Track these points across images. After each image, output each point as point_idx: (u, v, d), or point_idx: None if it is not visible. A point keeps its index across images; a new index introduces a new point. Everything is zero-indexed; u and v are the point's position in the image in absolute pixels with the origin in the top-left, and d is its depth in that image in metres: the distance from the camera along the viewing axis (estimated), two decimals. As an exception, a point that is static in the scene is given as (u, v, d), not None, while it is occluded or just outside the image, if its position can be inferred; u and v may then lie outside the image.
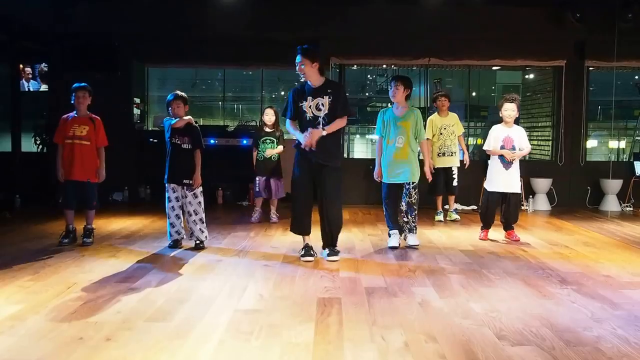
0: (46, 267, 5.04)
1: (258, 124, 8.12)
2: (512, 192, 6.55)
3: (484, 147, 6.82)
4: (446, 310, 3.94)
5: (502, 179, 6.52)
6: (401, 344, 3.27)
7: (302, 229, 5.57)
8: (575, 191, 10.26)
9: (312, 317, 3.72)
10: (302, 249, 5.54)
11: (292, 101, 5.51)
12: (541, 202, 9.85)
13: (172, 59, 10.77)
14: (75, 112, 6.16)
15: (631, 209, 9.84)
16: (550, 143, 10.67)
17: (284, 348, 3.20)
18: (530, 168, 10.29)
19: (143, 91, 10.98)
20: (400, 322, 3.66)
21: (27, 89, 10.00)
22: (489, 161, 6.76)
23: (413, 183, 6.08)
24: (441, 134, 8.09)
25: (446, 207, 8.37)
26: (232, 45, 10.07)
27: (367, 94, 22.23)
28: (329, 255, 5.48)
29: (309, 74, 5.38)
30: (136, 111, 10.54)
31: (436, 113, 8.29)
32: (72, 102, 6.12)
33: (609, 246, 6.48)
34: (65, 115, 6.17)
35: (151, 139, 10.36)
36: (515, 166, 6.52)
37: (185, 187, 5.93)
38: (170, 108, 5.99)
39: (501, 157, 6.51)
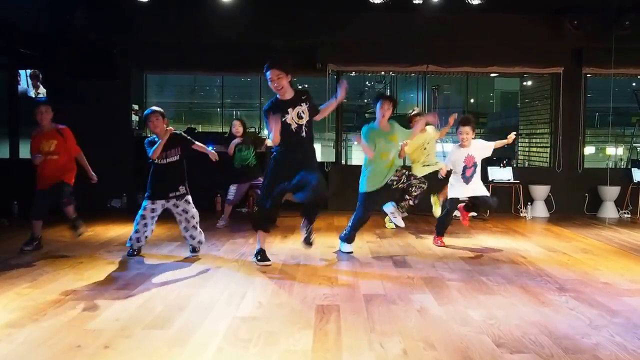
0: (44, 275, 5.03)
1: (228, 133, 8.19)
2: (481, 194, 6.55)
3: (447, 168, 6.79)
4: (445, 317, 3.93)
5: (465, 190, 6.56)
6: (399, 352, 3.27)
7: (265, 224, 5.57)
8: (573, 198, 10.27)
9: (310, 325, 3.72)
10: (258, 253, 5.59)
11: (269, 113, 5.31)
12: (539, 209, 9.86)
13: (170, 66, 10.81)
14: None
15: (629, 215, 9.85)
16: (548, 150, 10.70)
17: (282, 355, 3.20)
18: (528, 175, 10.32)
19: (141, 98, 10.99)
20: (399, 329, 3.65)
21: (33, 96, 10.00)
22: (451, 180, 6.73)
23: (404, 174, 6.26)
24: (425, 148, 8.07)
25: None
26: (231, 52, 10.10)
27: (365, 100, 22.28)
28: (305, 242, 5.57)
29: (286, 87, 5.32)
30: (134, 118, 10.55)
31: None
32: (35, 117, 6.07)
33: (607, 253, 6.49)
34: (35, 130, 6.13)
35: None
36: (476, 178, 6.54)
37: (177, 198, 5.85)
38: (149, 122, 5.76)
39: (463, 173, 6.54)
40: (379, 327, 3.70)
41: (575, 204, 10.26)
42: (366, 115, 20.97)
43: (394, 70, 11.26)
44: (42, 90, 9.99)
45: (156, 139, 5.79)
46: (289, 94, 5.36)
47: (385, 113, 6.14)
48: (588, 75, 10.44)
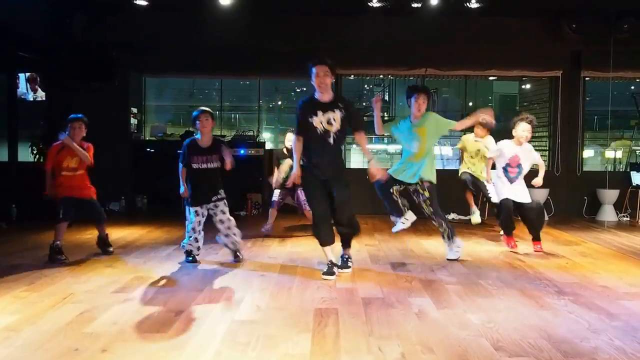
0: (42, 278, 5.03)
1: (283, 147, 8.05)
2: (524, 201, 6.53)
3: (489, 155, 6.94)
4: (443, 321, 3.93)
5: (509, 191, 6.54)
6: (398, 355, 3.26)
7: (326, 236, 5.31)
8: (572, 201, 10.27)
9: (308, 328, 3.71)
10: (328, 264, 5.30)
11: (300, 115, 5.23)
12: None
13: (169, 69, 10.80)
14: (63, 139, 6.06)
15: (628, 218, 9.86)
16: (547, 153, 10.70)
17: (281, 359, 3.19)
18: (527, 178, 10.30)
19: (140, 101, 10.99)
20: (397, 333, 3.65)
21: (32, 99, 10.00)
22: (494, 177, 6.78)
23: (425, 182, 5.90)
24: (471, 157, 8.06)
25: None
26: (230, 55, 10.11)
27: (364, 103, 22.27)
28: (341, 267, 5.39)
29: (329, 87, 5.20)
30: (133, 121, 10.55)
31: (473, 134, 8.11)
32: (67, 132, 6.03)
33: (605, 256, 6.49)
34: (57, 143, 6.05)
35: (148, 149, 10.36)
36: (520, 181, 6.56)
37: (218, 201, 5.82)
38: (198, 122, 5.69)
39: (505, 172, 6.55)
40: (378, 330, 3.69)
41: (574, 207, 10.26)
42: (364, 118, 20.96)
43: (392, 74, 11.27)
44: (41, 94, 9.99)
45: (197, 139, 5.76)
46: (327, 96, 5.20)
47: (421, 107, 5.88)
48: (587, 79, 10.45)
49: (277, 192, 7.75)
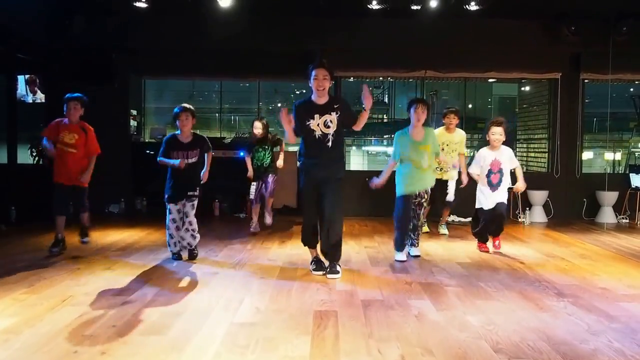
0: (41, 280, 5.02)
1: (249, 133, 8.37)
2: (499, 202, 6.51)
3: (469, 170, 6.85)
4: (443, 323, 3.93)
5: (492, 199, 6.50)
6: (397, 357, 3.26)
7: (309, 241, 5.55)
8: (572, 203, 10.28)
9: (308, 330, 3.71)
10: (313, 262, 5.57)
11: (297, 118, 5.28)
12: (537, 215, 9.86)
13: (169, 71, 10.82)
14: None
15: (627, 220, 9.86)
16: (546, 155, 10.71)
17: (280, 362, 3.19)
18: (526, 180, 10.30)
19: (140, 103, 10.99)
20: (397, 335, 3.65)
21: (31, 101, 10.00)
22: (478, 185, 6.69)
23: (427, 193, 6.21)
24: (442, 149, 7.64)
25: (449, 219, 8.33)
26: (229, 57, 10.12)
27: (363, 106, 22.29)
28: (329, 272, 5.34)
29: (326, 91, 5.27)
30: (133, 123, 10.56)
31: (442, 128, 7.93)
32: (64, 111, 6.19)
33: (605, 258, 6.49)
34: (60, 119, 6.23)
35: (148, 151, 10.36)
36: (503, 187, 6.50)
37: (187, 199, 5.94)
38: (178, 120, 5.87)
39: (488, 180, 6.51)
40: (377, 332, 3.69)
41: (573, 209, 10.27)
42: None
43: (392, 76, 11.29)
44: (40, 96, 9.98)
45: (180, 135, 5.87)
46: (323, 99, 5.28)
47: (420, 117, 6.01)
48: (586, 81, 10.46)
49: (252, 189, 7.94)
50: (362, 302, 4.42)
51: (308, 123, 5.22)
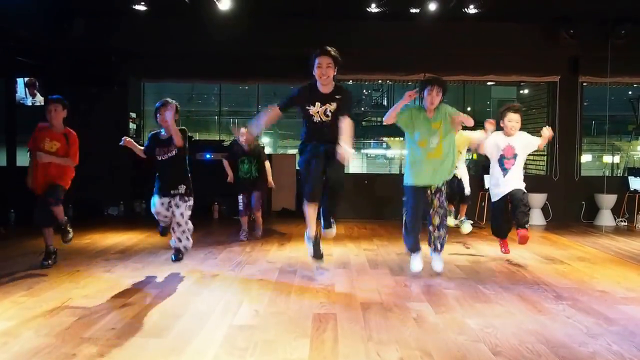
0: (40, 283, 5.02)
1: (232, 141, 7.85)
2: (514, 189, 6.06)
3: (482, 151, 6.37)
4: (442, 325, 3.93)
5: (503, 186, 6.14)
6: (396, 360, 3.27)
7: (316, 196, 5.16)
8: (570, 206, 10.29)
9: (307, 333, 3.71)
10: (313, 243, 5.40)
11: (295, 98, 5.21)
12: (536, 217, 9.87)
13: (168, 74, 10.82)
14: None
15: (625, 223, 9.87)
16: (545, 158, 10.72)
17: (279, 364, 3.20)
18: (525, 183, 10.32)
19: (139, 106, 11.00)
20: (396, 337, 3.65)
21: (30, 104, 10.01)
22: (490, 171, 6.37)
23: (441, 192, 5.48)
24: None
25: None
26: (229, 60, 10.15)
27: (362, 108, 22.29)
28: (328, 227, 5.33)
29: (330, 79, 5.11)
30: (132, 126, 10.56)
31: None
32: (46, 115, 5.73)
33: (603, 261, 6.49)
34: (43, 124, 5.77)
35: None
36: (515, 172, 6.12)
37: (178, 197, 5.53)
38: (158, 114, 5.53)
39: (500, 163, 6.15)
40: (376, 335, 3.69)
41: (572, 212, 10.28)
42: (363, 123, 20.99)
43: (391, 79, 11.29)
44: (39, 98, 9.99)
45: (162, 133, 5.58)
46: (328, 88, 5.15)
47: (434, 100, 5.34)
48: (584, 84, 10.49)
49: (240, 201, 7.60)
50: (361, 305, 4.42)
51: (308, 108, 5.16)
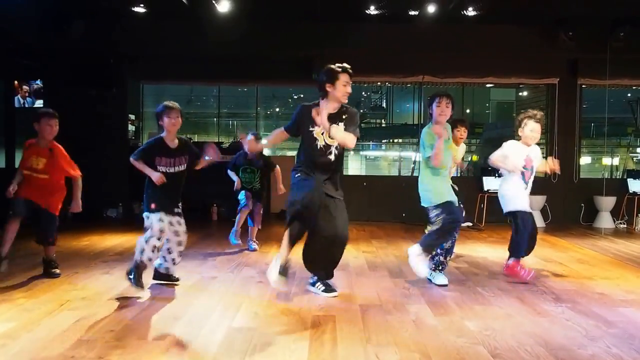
0: (39, 285, 5.01)
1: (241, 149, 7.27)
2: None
3: (492, 157, 5.73)
4: (440, 328, 3.93)
5: (525, 199, 5.69)
6: (395, 363, 3.26)
7: (298, 237, 4.79)
8: (569, 208, 10.30)
9: (306, 335, 3.70)
10: (282, 268, 4.72)
11: (298, 120, 4.78)
12: (536, 219, 9.84)
13: (167, 76, 10.84)
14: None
15: (625, 225, 9.88)
16: (543, 160, 10.73)
17: (278, 367, 3.19)
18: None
19: (138, 107, 11.01)
20: (395, 340, 3.64)
21: (22, 105, 10.00)
22: (504, 181, 5.78)
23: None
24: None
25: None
26: (228, 62, 10.15)
27: (361, 110, 22.35)
28: (330, 290, 4.83)
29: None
30: (131, 127, 10.57)
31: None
32: (37, 130, 5.30)
33: (603, 263, 6.49)
34: (31, 140, 5.38)
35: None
36: (529, 187, 5.75)
37: (178, 215, 5.08)
38: (166, 119, 4.92)
39: (522, 176, 5.63)
40: (375, 337, 3.68)
41: (571, 214, 10.29)
42: (362, 125, 21.01)
43: (390, 81, 11.32)
44: (30, 100, 9.97)
45: (163, 136, 4.99)
46: (335, 108, 4.72)
47: (445, 112, 5.12)
48: (583, 86, 10.51)
49: (243, 196, 7.07)
50: (360, 307, 4.42)
51: (311, 130, 4.70)
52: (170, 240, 5.02)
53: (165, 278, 5.12)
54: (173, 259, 5.08)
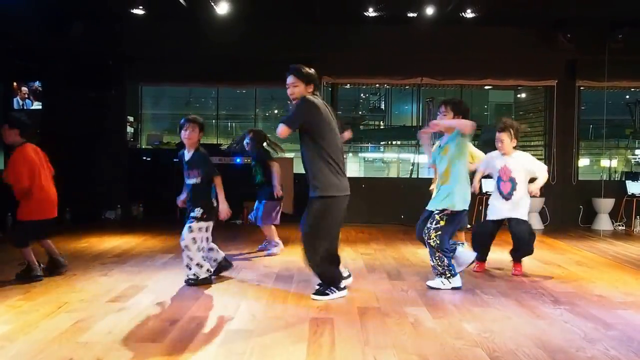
0: (37, 287, 5.00)
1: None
2: (513, 217, 5.76)
3: (477, 167, 6.11)
4: (439, 330, 3.92)
5: (503, 208, 5.80)
6: (394, 365, 3.26)
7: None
8: (568, 210, 10.30)
9: (304, 338, 3.70)
10: (343, 286, 4.85)
11: (317, 116, 4.64)
12: (534, 221, 9.85)
13: (166, 78, 10.84)
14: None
15: (623, 228, 9.88)
16: (542, 162, 10.72)
17: (276, 369, 3.18)
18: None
19: (137, 109, 11.01)
20: (393, 342, 3.64)
21: (21, 107, 9.99)
22: (491, 198, 6.03)
23: (440, 211, 5.11)
24: None
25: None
26: (226, 64, 10.16)
27: (360, 112, 22.32)
28: (314, 293, 4.80)
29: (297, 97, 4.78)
30: (130, 129, 10.56)
31: None
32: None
33: (601, 265, 6.50)
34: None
35: (144, 157, 10.36)
36: (518, 198, 5.73)
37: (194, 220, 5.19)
38: (183, 132, 5.21)
39: (498, 188, 5.82)
40: (373, 340, 3.68)
41: (569, 216, 10.29)
42: (361, 127, 21.00)
43: (388, 83, 11.33)
44: (28, 102, 9.95)
45: (184, 154, 5.29)
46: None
47: (445, 118, 5.22)
48: (582, 88, 10.53)
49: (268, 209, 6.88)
50: (358, 310, 4.41)
51: (333, 125, 4.66)
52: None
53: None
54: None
